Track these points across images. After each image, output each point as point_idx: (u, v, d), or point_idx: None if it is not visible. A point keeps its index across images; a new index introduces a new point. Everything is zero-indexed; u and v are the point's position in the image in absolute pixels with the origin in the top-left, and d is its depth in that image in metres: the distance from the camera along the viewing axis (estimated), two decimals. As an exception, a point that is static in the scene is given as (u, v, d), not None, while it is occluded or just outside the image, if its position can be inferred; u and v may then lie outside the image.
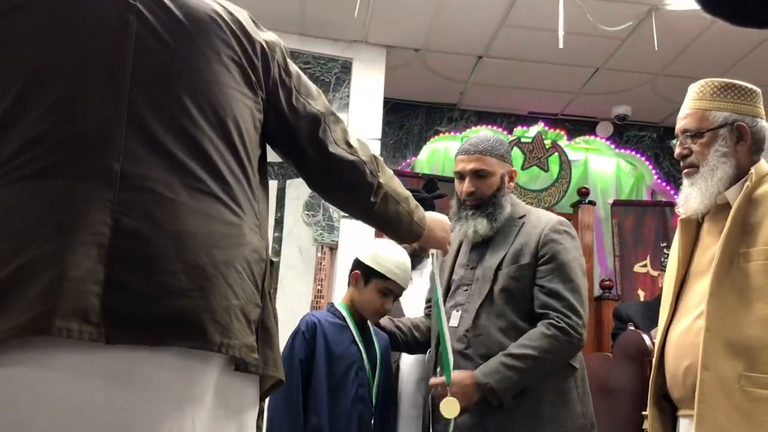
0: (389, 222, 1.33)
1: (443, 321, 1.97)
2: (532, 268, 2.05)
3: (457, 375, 1.95)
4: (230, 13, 1.11)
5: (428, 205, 2.63)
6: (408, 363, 2.44)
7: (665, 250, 3.62)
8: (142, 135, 0.98)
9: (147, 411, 0.91)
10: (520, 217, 2.17)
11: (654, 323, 3.22)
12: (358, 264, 2.21)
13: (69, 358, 0.89)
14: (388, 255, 2.20)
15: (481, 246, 2.19)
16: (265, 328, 1.07)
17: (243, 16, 1.14)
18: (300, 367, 2.04)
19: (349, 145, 1.24)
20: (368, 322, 2.22)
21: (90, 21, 1.00)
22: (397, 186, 1.33)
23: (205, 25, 1.06)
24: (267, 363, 1.05)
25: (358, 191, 1.26)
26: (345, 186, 1.26)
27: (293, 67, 1.21)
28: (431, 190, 2.70)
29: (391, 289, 2.17)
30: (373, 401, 2.10)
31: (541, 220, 2.15)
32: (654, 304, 3.59)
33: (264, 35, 1.17)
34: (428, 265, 2.60)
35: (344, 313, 2.18)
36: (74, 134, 0.96)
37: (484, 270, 2.11)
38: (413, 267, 2.55)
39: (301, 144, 1.20)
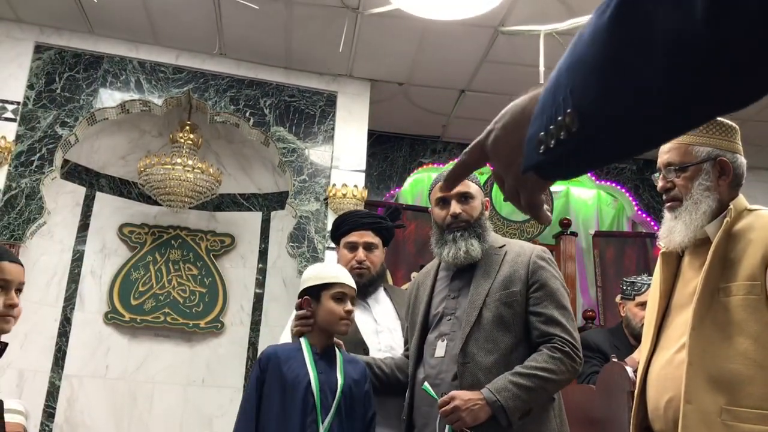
0: None
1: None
2: (524, 295, 2.08)
3: (465, 393, 1.95)
4: None
5: (390, 233, 2.74)
6: None
7: (625, 279, 3.64)
8: None
9: None
10: (501, 247, 2.21)
11: (618, 350, 3.22)
12: (303, 292, 2.24)
13: None
14: (321, 268, 2.29)
15: (462, 275, 2.20)
16: None
17: None
18: (254, 391, 2.10)
19: None
20: (338, 350, 2.21)
21: None
22: None
23: None
24: None
25: None
26: None
27: None
28: (393, 219, 2.83)
29: (344, 292, 2.17)
30: (322, 428, 2.08)
31: (524, 248, 2.19)
32: (617, 331, 3.60)
33: None
34: (381, 291, 2.69)
35: (302, 342, 2.20)
36: None
37: (471, 297, 2.11)
38: (368, 295, 2.63)
39: None
